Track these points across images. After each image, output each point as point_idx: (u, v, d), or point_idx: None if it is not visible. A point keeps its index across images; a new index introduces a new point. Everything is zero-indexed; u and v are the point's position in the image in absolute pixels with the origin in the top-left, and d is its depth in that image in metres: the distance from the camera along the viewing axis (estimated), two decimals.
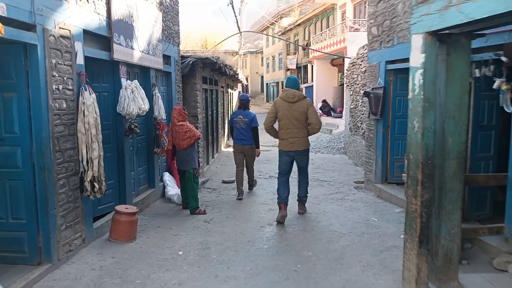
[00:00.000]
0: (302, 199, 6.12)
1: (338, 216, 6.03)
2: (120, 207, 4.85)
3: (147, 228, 5.37)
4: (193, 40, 35.85)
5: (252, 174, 7.60)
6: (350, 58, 13.19)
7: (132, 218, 4.80)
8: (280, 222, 5.60)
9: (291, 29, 33.01)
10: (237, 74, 14.74)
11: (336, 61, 24.03)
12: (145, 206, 6.29)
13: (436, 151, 3.28)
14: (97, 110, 4.41)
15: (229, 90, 16.01)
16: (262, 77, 46.27)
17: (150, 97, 6.36)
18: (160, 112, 6.52)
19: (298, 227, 5.53)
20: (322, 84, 24.77)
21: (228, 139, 14.63)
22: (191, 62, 8.22)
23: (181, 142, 5.99)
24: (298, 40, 31.09)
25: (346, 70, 13.02)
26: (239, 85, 20.66)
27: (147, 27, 6.31)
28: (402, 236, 5.06)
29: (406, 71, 6.75)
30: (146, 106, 5.56)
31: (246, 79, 27.21)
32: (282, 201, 5.75)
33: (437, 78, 3.22)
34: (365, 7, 20.33)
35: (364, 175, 8.15)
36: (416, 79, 3.20)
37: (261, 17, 40.52)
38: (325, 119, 21.35)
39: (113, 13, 5.14)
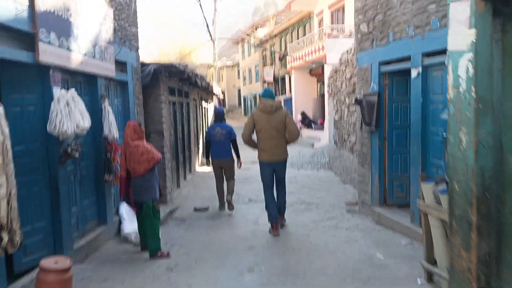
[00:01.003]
0: (281, 211, 5.90)
1: (334, 252, 4.89)
2: (47, 262, 3.55)
3: (91, 283, 4.08)
4: (167, 54, 34.69)
5: (233, 187, 7.05)
6: (331, 65, 12.25)
7: (64, 277, 3.51)
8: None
9: (267, 40, 32.22)
10: (211, 85, 13.56)
11: (315, 70, 23.24)
12: (94, 249, 4.97)
13: (493, 178, 2.20)
14: (6, 130, 3.17)
15: (204, 103, 14.78)
16: (239, 90, 45.21)
17: (98, 111, 5.17)
18: (112, 130, 5.27)
19: (286, 271, 4.34)
20: (301, 95, 23.93)
21: (203, 156, 13.33)
22: (152, 70, 7.03)
23: (137, 166, 4.78)
24: (274, 51, 30.30)
25: (328, 78, 12.04)
26: (215, 98, 19.45)
27: (93, 25, 5.12)
28: (419, 281, 3.96)
29: (404, 73, 5.79)
30: (86, 124, 4.33)
31: (223, 92, 26.09)
32: (274, 220, 5.68)
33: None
34: (343, 14, 19.65)
35: (358, 196, 7.06)
36: (461, 69, 2.13)
37: (237, 30, 39.74)
38: (305, 132, 20.35)
39: (38, 2, 3.94)
